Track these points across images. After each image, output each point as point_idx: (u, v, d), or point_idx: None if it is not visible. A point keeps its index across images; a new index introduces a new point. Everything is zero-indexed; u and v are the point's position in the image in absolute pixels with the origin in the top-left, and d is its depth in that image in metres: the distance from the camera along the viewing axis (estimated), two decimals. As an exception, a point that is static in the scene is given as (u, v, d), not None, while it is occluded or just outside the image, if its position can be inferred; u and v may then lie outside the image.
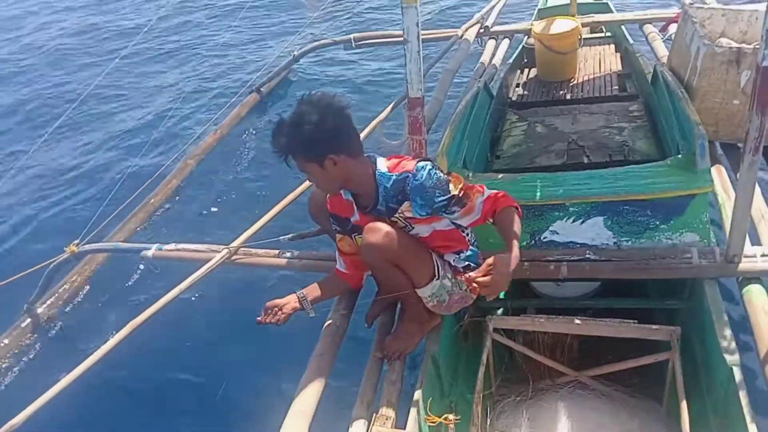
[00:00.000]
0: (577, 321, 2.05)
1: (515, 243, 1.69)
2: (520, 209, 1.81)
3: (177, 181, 4.42)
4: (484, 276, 1.62)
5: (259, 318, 1.93)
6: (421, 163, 1.78)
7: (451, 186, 1.75)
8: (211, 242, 2.73)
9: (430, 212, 1.78)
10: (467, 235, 1.96)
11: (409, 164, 1.79)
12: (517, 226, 1.75)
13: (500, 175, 2.51)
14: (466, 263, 1.96)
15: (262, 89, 5.58)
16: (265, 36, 7.62)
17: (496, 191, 1.82)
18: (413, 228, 1.85)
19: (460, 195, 1.76)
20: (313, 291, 2.01)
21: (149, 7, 9.28)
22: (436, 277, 1.87)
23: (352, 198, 1.90)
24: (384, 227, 1.76)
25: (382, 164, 1.83)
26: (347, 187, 1.87)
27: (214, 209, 4.24)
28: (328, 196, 1.97)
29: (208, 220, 4.11)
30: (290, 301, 1.95)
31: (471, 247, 1.98)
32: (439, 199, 1.75)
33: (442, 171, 1.79)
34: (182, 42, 7.79)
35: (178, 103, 5.55)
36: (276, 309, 1.92)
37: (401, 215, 1.82)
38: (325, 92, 1.78)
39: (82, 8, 9.88)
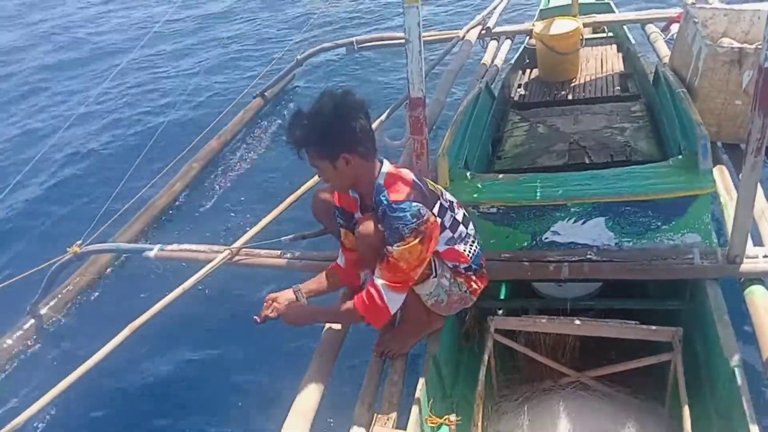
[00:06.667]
0: (579, 322, 2.05)
1: (319, 311, 2.00)
2: (366, 315, 1.77)
3: (181, 184, 4.43)
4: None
5: (256, 317, 1.98)
6: (407, 204, 1.68)
7: (398, 244, 1.67)
8: (213, 243, 2.74)
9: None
10: (465, 251, 1.93)
11: (401, 193, 1.73)
12: (337, 312, 1.91)
13: (501, 176, 2.50)
14: (468, 265, 1.96)
15: (266, 94, 5.58)
16: (268, 39, 7.64)
17: (378, 295, 1.73)
18: None
19: (390, 258, 1.68)
20: (309, 284, 2.07)
21: (148, 14, 9.31)
22: (433, 275, 1.86)
23: (358, 196, 1.90)
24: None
25: (383, 177, 1.79)
26: (355, 188, 1.86)
27: (217, 211, 4.25)
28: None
29: (210, 221, 4.12)
30: (286, 293, 2.02)
31: (471, 258, 1.96)
32: (387, 235, 1.70)
33: (422, 225, 1.68)
34: (185, 47, 7.82)
35: (182, 107, 5.57)
36: (271, 302, 1.98)
37: None
38: (347, 89, 1.75)
39: (83, 9, 9.93)
